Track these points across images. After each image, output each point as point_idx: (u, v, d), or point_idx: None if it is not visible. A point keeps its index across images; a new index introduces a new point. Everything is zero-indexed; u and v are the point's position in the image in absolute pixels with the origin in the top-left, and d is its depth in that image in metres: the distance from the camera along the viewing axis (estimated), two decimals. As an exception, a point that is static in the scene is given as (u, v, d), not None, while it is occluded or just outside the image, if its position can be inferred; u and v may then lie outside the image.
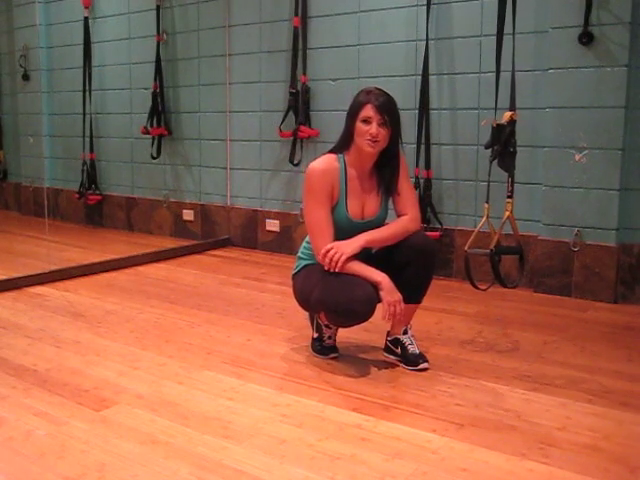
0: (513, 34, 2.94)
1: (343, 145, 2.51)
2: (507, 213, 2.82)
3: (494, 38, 3.58)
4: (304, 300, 2.54)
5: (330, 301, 2.36)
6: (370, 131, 2.39)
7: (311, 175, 2.45)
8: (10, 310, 3.33)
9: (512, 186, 2.82)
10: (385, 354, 2.62)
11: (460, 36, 3.79)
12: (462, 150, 3.85)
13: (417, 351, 2.52)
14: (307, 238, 2.58)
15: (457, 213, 3.90)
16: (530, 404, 2.20)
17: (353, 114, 2.44)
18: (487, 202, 2.84)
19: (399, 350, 2.55)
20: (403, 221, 2.50)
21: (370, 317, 2.35)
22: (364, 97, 2.44)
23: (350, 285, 2.33)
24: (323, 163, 2.47)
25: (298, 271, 2.60)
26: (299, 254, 2.63)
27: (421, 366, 2.49)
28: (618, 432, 2.00)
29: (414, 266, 2.45)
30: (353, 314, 2.34)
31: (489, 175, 2.83)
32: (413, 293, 2.49)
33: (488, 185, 2.85)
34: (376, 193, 2.55)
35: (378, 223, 2.53)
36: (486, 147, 2.84)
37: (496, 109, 2.92)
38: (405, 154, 2.63)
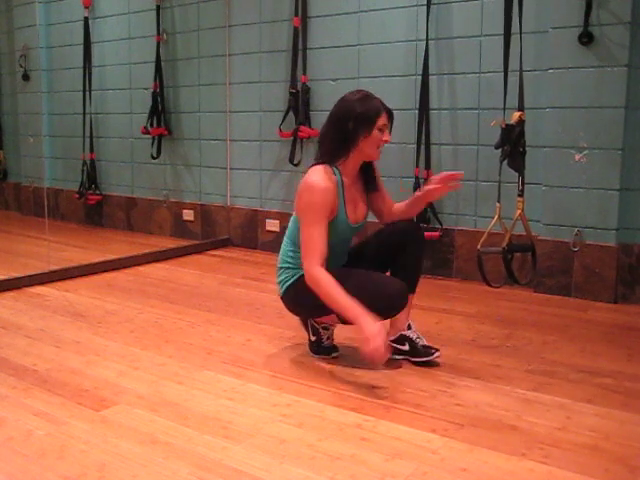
0: (520, 34, 2.94)
1: (339, 154, 2.46)
2: (518, 211, 2.84)
3: (494, 38, 3.62)
4: (317, 307, 2.42)
5: (366, 301, 2.29)
6: (384, 138, 2.42)
7: (314, 192, 2.38)
8: (10, 310, 3.33)
9: (523, 185, 2.85)
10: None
11: (460, 36, 3.79)
12: (462, 150, 3.85)
13: (426, 343, 2.54)
14: (290, 246, 2.55)
15: (457, 213, 3.90)
16: (530, 404, 2.20)
17: (369, 121, 2.39)
18: (499, 202, 2.86)
19: (406, 346, 2.54)
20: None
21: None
22: (376, 103, 2.42)
23: (381, 283, 2.41)
24: (325, 180, 2.39)
25: (294, 282, 2.50)
26: (285, 264, 2.55)
27: (435, 355, 2.50)
28: (618, 432, 2.00)
29: (407, 250, 2.52)
30: (392, 309, 2.42)
31: (499, 175, 2.88)
32: (408, 279, 2.49)
33: (499, 185, 2.88)
34: (364, 194, 2.60)
35: (365, 223, 2.63)
36: (496, 147, 2.87)
37: (505, 109, 2.93)
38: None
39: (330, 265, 2.40)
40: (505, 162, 2.85)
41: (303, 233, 2.41)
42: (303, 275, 2.47)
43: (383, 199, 2.65)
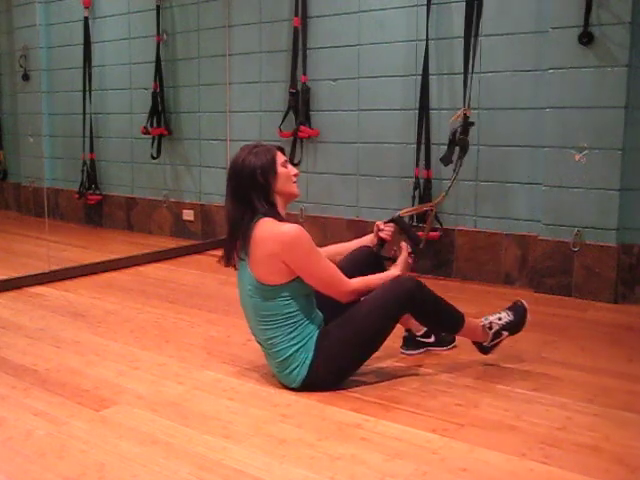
0: (475, 36, 2.96)
1: (272, 208, 2.33)
2: (429, 208, 2.83)
3: (494, 38, 3.62)
4: (345, 372, 2.37)
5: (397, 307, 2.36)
6: (293, 171, 2.38)
7: (303, 234, 2.27)
8: (10, 310, 3.33)
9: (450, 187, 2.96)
10: (406, 351, 2.67)
11: (460, 36, 3.77)
12: (462, 150, 3.84)
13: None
14: (273, 322, 2.30)
15: (457, 213, 3.90)
16: (530, 404, 2.21)
17: (269, 166, 2.31)
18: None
19: (432, 338, 2.70)
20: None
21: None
22: (267, 149, 2.35)
23: (393, 286, 2.37)
24: (293, 223, 2.32)
25: (314, 359, 2.28)
26: (286, 350, 2.28)
27: (456, 341, 2.77)
28: (618, 432, 2.00)
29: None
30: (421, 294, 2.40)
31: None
32: None
33: (453, 180, 2.88)
34: None
35: None
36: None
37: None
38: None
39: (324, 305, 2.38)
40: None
41: (322, 270, 2.29)
42: (314, 341, 2.30)
43: None
